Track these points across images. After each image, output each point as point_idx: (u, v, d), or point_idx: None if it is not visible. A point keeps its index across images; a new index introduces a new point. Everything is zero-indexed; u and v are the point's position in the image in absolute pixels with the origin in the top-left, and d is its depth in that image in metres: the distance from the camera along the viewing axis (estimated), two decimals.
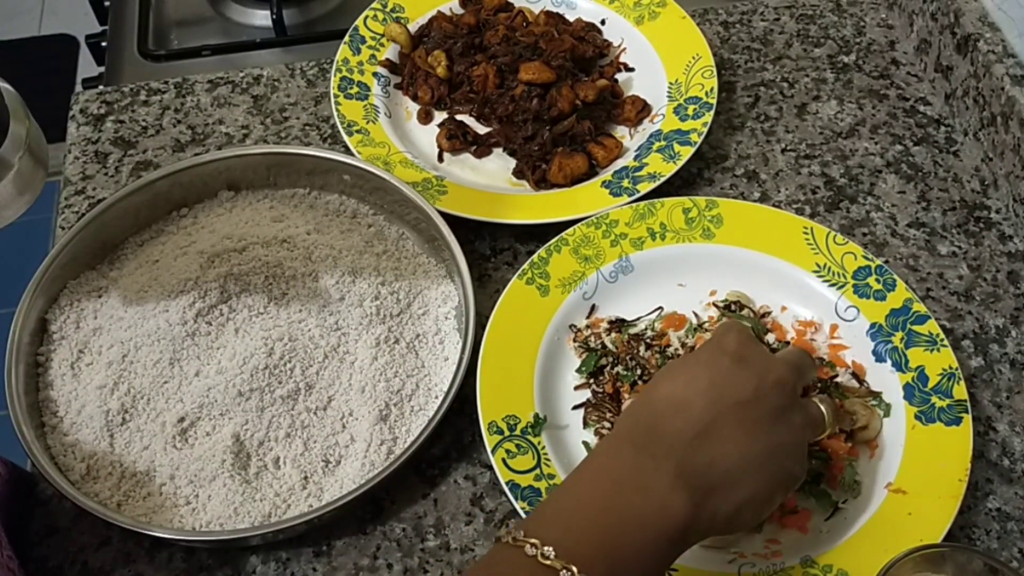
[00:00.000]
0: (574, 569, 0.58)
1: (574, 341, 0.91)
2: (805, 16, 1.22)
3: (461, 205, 0.98)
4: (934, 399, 0.84)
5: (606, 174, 1.02)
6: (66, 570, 0.81)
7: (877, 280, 0.91)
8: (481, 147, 1.07)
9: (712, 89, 1.07)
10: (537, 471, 0.81)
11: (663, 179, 0.99)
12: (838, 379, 0.87)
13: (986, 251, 0.99)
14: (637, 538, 0.62)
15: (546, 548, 0.59)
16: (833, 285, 0.92)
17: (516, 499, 0.79)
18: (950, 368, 0.85)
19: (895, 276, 0.91)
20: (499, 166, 1.06)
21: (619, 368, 0.88)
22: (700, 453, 0.64)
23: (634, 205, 0.97)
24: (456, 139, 1.06)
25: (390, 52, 1.15)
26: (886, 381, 0.87)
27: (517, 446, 0.83)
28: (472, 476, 0.85)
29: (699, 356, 0.69)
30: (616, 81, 1.12)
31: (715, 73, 1.08)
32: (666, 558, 0.64)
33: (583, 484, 0.65)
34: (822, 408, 0.72)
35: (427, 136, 1.09)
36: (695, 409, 0.65)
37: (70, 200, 1.06)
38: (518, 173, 1.05)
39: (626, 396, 0.86)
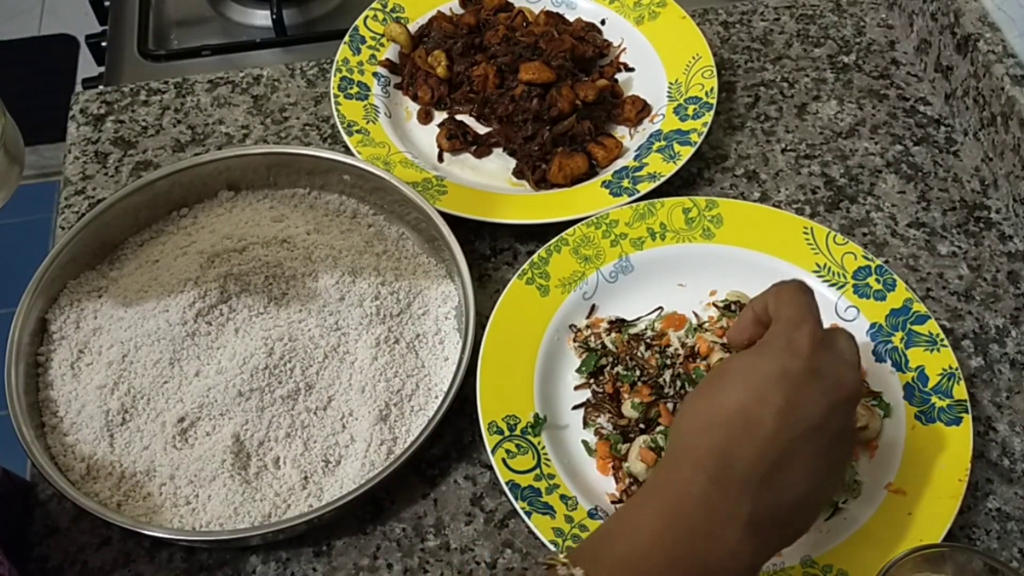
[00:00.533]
0: None
1: (574, 341, 0.91)
2: (805, 16, 1.22)
3: (461, 205, 0.98)
4: (934, 399, 0.84)
5: (606, 174, 1.02)
6: (66, 570, 0.81)
7: (877, 280, 0.91)
8: (481, 147, 1.07)
9: (712, 89, 1.07)
10: (537, 471, 0.81)
11: (663, 179, 0.99)
12: None
13: (986, 251, 0.99)
14: None
15: None
16: (833, 285, 0.92)
17: (516, 499, 0.79)
18: (950, 368, 0.85)
19: (895, 276, 0.91)
20: (499, 166, 1.06)
21: (619, 368, 0.87)
22: (772, 491, 0.59)
23: (634, 205, 0.96)
24: (456, 139, 1.06)
25: (390, 52, 1.14)
26: (886, 381, 0.86)
27: (517, 446, 0.82)
28: (472, 476, 0.85)
29: (769, 361, 0.62)
30: (616, 81, 1.12)
31: (715, 73, 1.08)
32: None
33: (652, 519, 0.59)
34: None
35: (427, 136, 1.09)
36: (767, 432, 0.59)
37: (70, 200, 1.06)
38: (518, 173, 1.04)
39: (626, 396, 0.86)
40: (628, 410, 0.84)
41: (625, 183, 1.00)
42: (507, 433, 0.83)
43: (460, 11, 1.18)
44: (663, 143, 1.03)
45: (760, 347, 0.64)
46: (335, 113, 1.06)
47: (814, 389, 0.61)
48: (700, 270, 0.94)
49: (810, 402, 0.61)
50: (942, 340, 0.87)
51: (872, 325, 0.89)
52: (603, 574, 0.56)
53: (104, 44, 1.29)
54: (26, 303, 0.88)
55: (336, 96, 1.08)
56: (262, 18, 1.27)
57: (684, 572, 0.57)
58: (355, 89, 1.10)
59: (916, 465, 0.81)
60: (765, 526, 0.59)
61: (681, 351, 0.88)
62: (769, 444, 0.59)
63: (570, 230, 0.95)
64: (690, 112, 1.06)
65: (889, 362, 0.87)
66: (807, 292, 0.66)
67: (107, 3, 1.33)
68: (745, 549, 0.58)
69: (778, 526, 0.61)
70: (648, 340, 0.89)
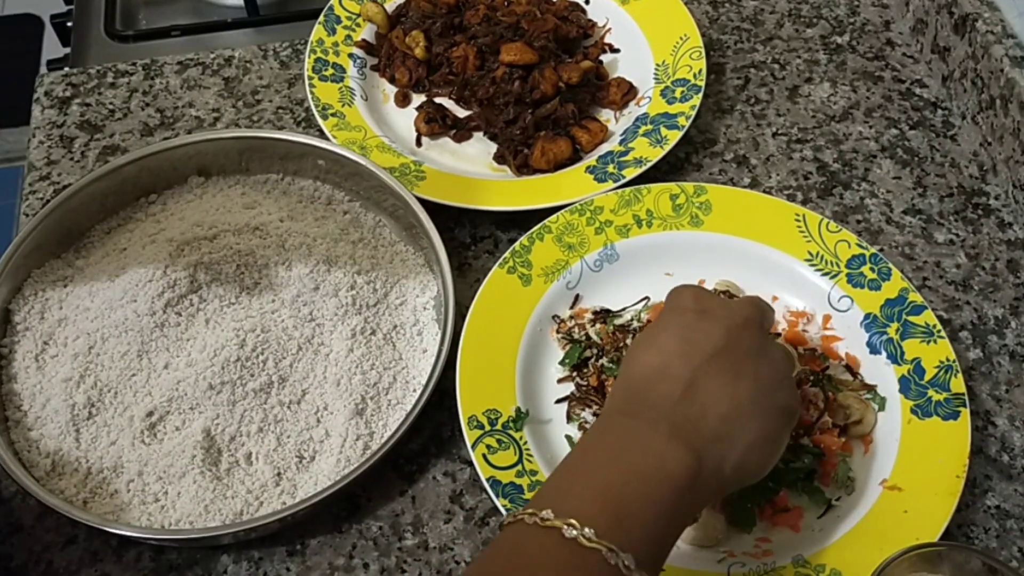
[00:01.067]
0: (574, 522, 0.58)
1: (557, 332, 0.90)
2: None
3: (440, 191, 0.97)
4: (931, 392, 0.83)
5: (590, 159, 1.01)
6: (30, 569, 0.80)
7: (871, 269, 0.90)
8: (461, 131, 1.06)
9: (700, 71, 1.06)
10: (519, 467, 0.81)
11: (650, 164, 0.98)
12: (831, 372, 0.86)
13: (984, 239, 0.98)
14: (641, 492, 0.61)
15: (544, 512, 0.59)
16: (826, 274, 0.91)
17: (497, 496, 0.78)
18: (947, 360, 0.84)
19: (890, 265, 0.90)
20: (479, 151, 1.05)
21: (604, 360, 0.87)
22: (690, 408, 0.65)
23: (619, 191, 0.96)
24: (435, 123, 1.05)
25: (366, 32, 1.14)
26: (881, 374, 0.86)
27: (498, 441, 0.82)
28: (451, 472, 0.84)
29: (662, 322, 0.71)
30: (601, 63, 1.11)
31: (703, 54, 1.07)
32: (679, 511, 0.63)
33: (579, 456, 0.66)
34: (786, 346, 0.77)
35: (405, 120, 1.08)
36: (674, 370, 0.66)
37: (34, 186, 1.05)
38: (499, 158, 1.04)
39: (610, 390, 0.84)
40: None
41: (610, 168, 0.99)
42: (488, 428, 0.82)
43: None
44: (650, 127, 1.02)
45: (661, 315, 0.72)
46: (309, 96, 1.05)
47: (706, 324, 0.68)
48: (688, 259, 0.94)
49: (705, 333, 0.68)
50: (939, 331, 0.86)
51: (866, 315, 0.88)
52: (537, 503, 0.60)
53: (70, 24, 1.28)
54: None
55: (310, 78, 1.07)
56: None
57: (620, 480, 0.61)
58: (330, 71, 1.08)
59: (912, 461, 0.80)
60: (691, 434, 0.64)
61: None
62: (677, 376, 0.66)
63: (553, 217, 0.94)
64: (678, 95, 1.05)
65: (884, 354, 0.86)
66: (697, 287, 0.74)
67: None
68: (674, 453, 0.62)
69: (708, 435, 0.64)
70: (634, 331, 0.88)
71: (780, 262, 0.91)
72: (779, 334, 0.88)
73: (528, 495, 0.79)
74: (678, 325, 0.69)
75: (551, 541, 0.58)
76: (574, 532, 0.57)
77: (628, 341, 0.87)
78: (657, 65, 1.09)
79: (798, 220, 0.93)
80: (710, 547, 0.78)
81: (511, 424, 0.83)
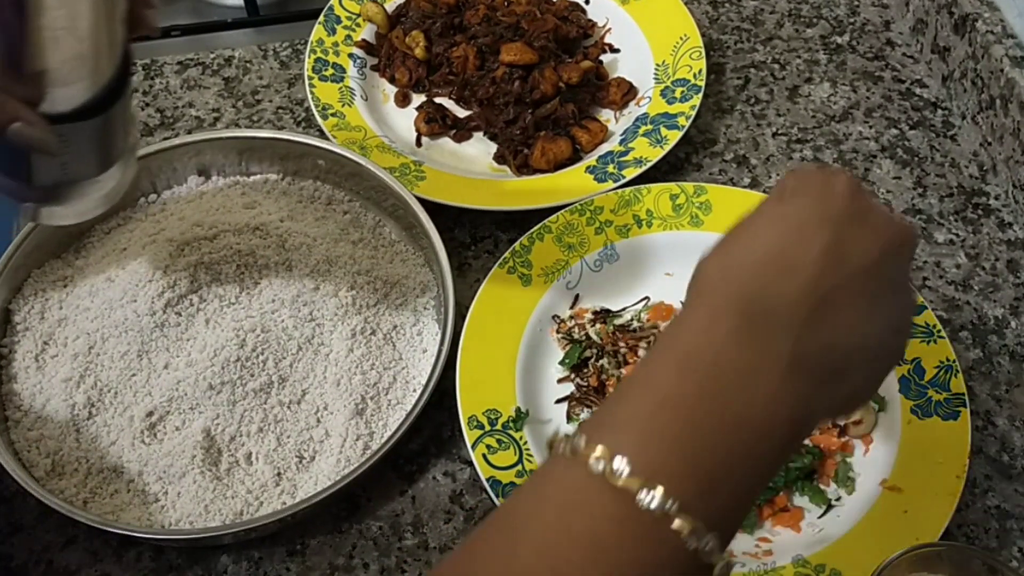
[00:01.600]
0: (659, 491, 0.44)
1: (557, 332, 0.90)
2: None
3: (440, 191, 0.96)
4: (931, 392, 0.83)
5: (590, 159, 1.01)
6: (31, 569, 0.80)
7: None
8: (461, 131, 1.06)
9: (700, 71, 1.06)
10: (519, 467, 0.80)
11: (650, 164, 0.98)
12: None
13: (985, 239, 0.98)
14: (738, 446, 0.48)
15: (617, 460, 0.45)
16: None
17: (497, 496, 0.78)
18: (947, 360, 0.84)
19: None
20: (479, 151, 1.05)
21: (604, 360, 0.87)
22: (819, 332, 0.51)
23: (619, 191, 0.95)
24: (435, 123, 1.05)
25: (366, 32, 1.13)
26: None
27: (498, 441, 0.82)
28: (451, 472, 0.84)
29: (805, 205, 0.54)
30: (601, 63, 1.11)
31: (703, 54, 1.07)
32: (772, 469, 0.51)
33: (666, 372, 0.50)
34: None
35: (405, 120, 1.08)
36: (810, 273, 0.51)
37: None
38: (499, 158, 1.03)
39: (611, 390, 0.85)
40: None
41: (610, 168, 0.98)
42: (488, 428, 0.82)
43: None
44: (650, 127, 1.02)
45: (790, 195, 0.56)
46: (309, 96, 1.05)
47: (862, 231, 0.53)
48: (688, 259, 0.89)
49: (859, 243, 0.53)
50: (939, 331, 0.86)
51: None
52: (608, 438, 0.46)
53: None
54: None
55: (310, 78, 1.07)
56: None
57: (716, 426, 0.48)
58: (330, 71, 1.08)
59: (912, 461, 0.80)
60: (813, 369, 0.51)
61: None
62: (813, 283, 0.51)
63: (553, 217, 0.94)
64: (678, 95, 1.04)
65: None
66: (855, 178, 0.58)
67: None
68: (788, 393, 0.49)
69: (829, 373, 0.52)
70: (635, 331, 0.88)
71: None
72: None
73: None
74: (827, 219, 0.53)
75: (617, 508, 0.45)
76: (650, 500, 0.44)
77: (628, 341, 0.87)
78: (657, 65, 1.08)
79: None
80: None
81: (511, 424, 0.83)
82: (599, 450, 0.46)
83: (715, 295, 0.52)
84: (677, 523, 0.44)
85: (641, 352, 0.87)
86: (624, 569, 0.45)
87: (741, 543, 0.78)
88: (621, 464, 0.45)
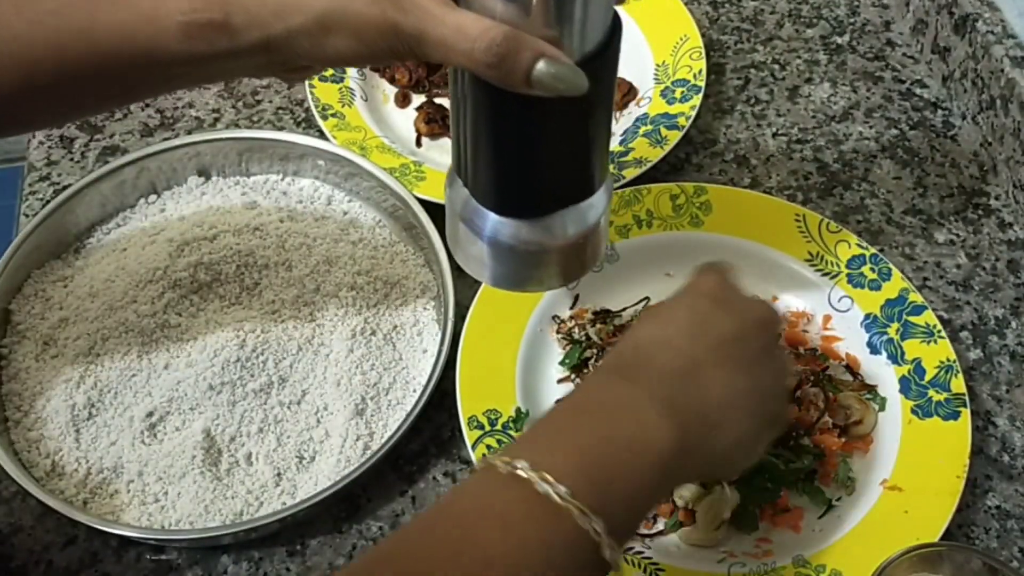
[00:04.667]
0: (549, 478, 0.53)
1: (557, 333, 0.90)
2: None
3: (440, 191, 0.93)
4: (931, 393, 0.83)
5: None
6: (31, 570, 0.79)
7: (872, 269, 0.90)
8: None
9: (700, 71, 1.05)
10: None
11: (650, 164, 0.98)
12: (831, 372, 0.86)
13: (985, 239, 0.98)
14: (624, 459, 0.57)
15: (519, 462, 0.54)
16: (826, 274, 0.90)
17: None
18: (948, 360, 0.84)
19: (890, 265, 0.89)
20: None
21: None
22: (688, 386, 0.61)
23: (620, 191, 0.95)
24: (435, 123, 1.05)
25: None
26: (881, 374, 0.85)
27: (498, 441, 0.81)
28: (451, 473, 0.84)
29: (678, 300, 0.67)
30: None
31: (703, 55, 1.07)
32: (657, 487, 0.59)
33: (566, 411, 0.61)
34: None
35: (405, 120, 1.07)
36: (681, 345, 0.63)
37: (34, 187, 1.04)
38: None
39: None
40: None
41: (610, 169, 0.97)
42: (488, 428, 0.82)
43: None
44: (649, 127, 1.02)
45: (676, 295, 0.69)
46: (309, 96, 1.05)
47: (722, 312, 0.65)
48: (688, 259, 0.91)
49: (719, 321, 0.64)
50: (939, 331, 0.86)
51: (867, 316, 0.88)
52: (513, 451, 0.56)
53: None
54: None
55: (310, 78, 1.06)
56: None
57: (604, 441, 0.58)
58: (330, 71, 1.08)
59: (912, 461, 0.80)
60: (683, 412, 0.60)
61: None
62: (681, 352, 0.62)
63: None
64: (677, 95, 1.04)
65: (884, 354, 0.86)
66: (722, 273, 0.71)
67: None
68: (663, 428, 0.58)
69: (699, 419, 0.61)
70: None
71: (780, 262, 0.91)
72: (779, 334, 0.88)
73: None
74: (693, 307, 0.65)
75: (521, 494, 0.54)
76: (547, 488, 0.53)
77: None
78: (657, 65, 1.08)
79: (798, 220, 0.92)
80: (711, 547, 0.77)
81: (511, 424, 0.82)
82: (506, 458, 0.55)
83: (607, 364, 0.65)
84: (568, 504, 0.53)
85: None
86: (529, 543, 0.53)
87: (741, 543, 0.78)
88: (523, 464, 0.54)
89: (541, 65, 0.54)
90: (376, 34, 0.58)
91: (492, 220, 0.64)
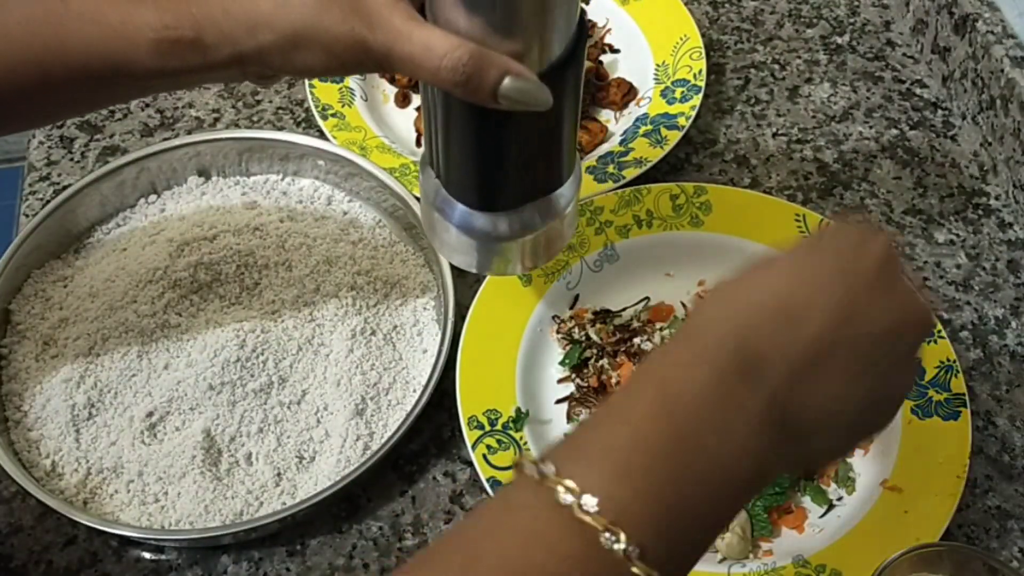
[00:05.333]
0: (622, 536, 0.43)
1: (557, 333, 0.89)
2: None
3: None
4: (931, 393, 0.82)
5: (590, 159, 1.00)
6: (30, 570, 0.79)
7: None
8: None
9: (700, 71, 1.05)
10: None
11: (650, 164, 0.97)
12: None
13: (985, 239, 0.98)
14: (703, 496, 0.47)
15: (586, 497, 0.44)
16: None
17: None
18: (948, 360, 0.84)
19: None
20: None
21: (604, 361, 0.86)
22: (803, 386, 0.49)
23: (619, 191, 0.95)
24: None
25: None
26: None
27: (498, 441, 0.81)
28: (451, 473, 0.84)
29: (830, 259, 0.53)
30: (601, 63, 1.10)
31: (704, 55, 1.07)
32: (726, 517, 0.50)
33: (645, 407, 0.48)
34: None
35: (405, 120, 1.07)
36: (812, 327, 0.50)
37: (34, 187, 1.04)
38: None
39: (611, 390, 0.84)
40: None
41: (610, 169, 0.98)
42: (488, 428, 0.82)
43: None
44: (650, 127, 1.02)
45: (818, 244, 0.55)
46: (309, 96, 1.04)
47: (880, 299, 0.52)
48: (688, 259, 0.93)
49: (874, 311, 0.51)
50: (939, 331, 0.85)
51: None
52: (578, 470, 0.45)
53: None
54: None
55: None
56: None
57: (686, 472, 0.47)
58: None
59: (913, 461, 0.80)
60: (784, 425, 0.49)
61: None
62: (812, 342, 0.49)
63: None
64: (678, 95, 1.04)
65: None
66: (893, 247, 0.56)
67: None
68: (756, 447, 0.48)
69: (797, 432, 0.50)
70: (635, 331, 0.88)
71: None
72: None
73: None
74: (847, 277, 0.51)
75: (583, 548, 0.44)
76: (618, 544, 0.43)
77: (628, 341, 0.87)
78: (657, 65, 1.08)
79: (798, 220, 0.92)
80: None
81: (511, 424, 0.82)
82: (568, 483, 0.44)
83: (707, 334, 0.51)
84: (635, 569, 0.44)
85: (647, 346, 0.87)
86: (539, 555, 0.44)
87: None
88: (590, 501, 0.44)
89: (507, 82, 0.55)
90: (345, 50, 0.59)
91: (461, 210, 0.67)
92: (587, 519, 0.43)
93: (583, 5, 0.60)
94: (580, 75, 0.62)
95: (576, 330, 0.89)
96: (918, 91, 1.10)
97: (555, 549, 0.44)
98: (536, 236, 0.68)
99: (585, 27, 0.60)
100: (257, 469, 0.81)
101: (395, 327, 0.88)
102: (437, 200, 0.68)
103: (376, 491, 0.82)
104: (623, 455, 0.46)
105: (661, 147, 0.99)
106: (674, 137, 1.00)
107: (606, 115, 1.07)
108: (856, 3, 1.20)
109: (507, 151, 0.62)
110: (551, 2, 0.55)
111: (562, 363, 0.88)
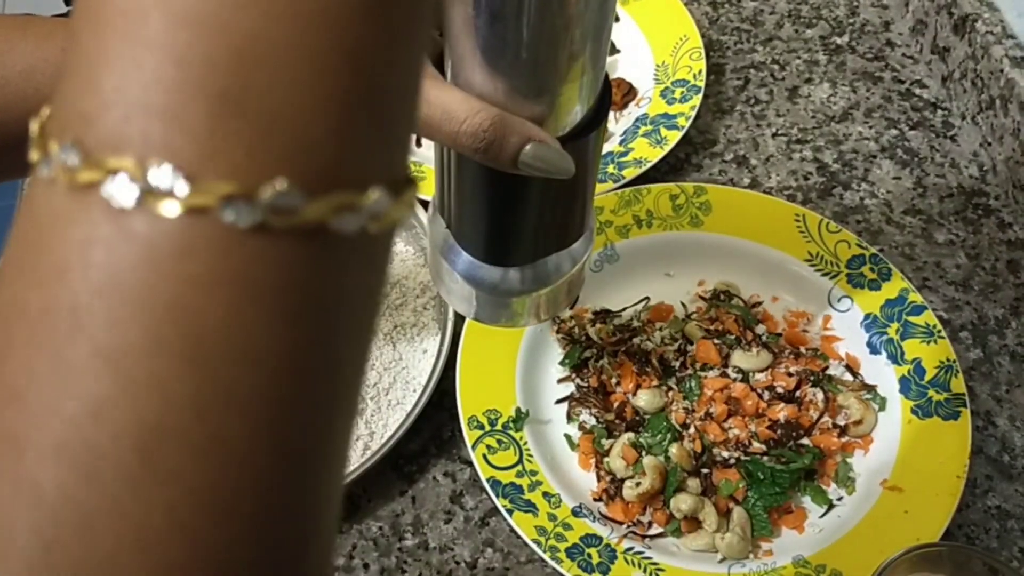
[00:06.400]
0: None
1: (557, 332, 0.89)
2: None
3: None
4: (931, 393, 0.82)
5: None
6: None
7: (871, 269, 0.89)
8: None
9: (700, 71, 1.05)
10: (519, 467, 0.80)
11: (649, 165, 0.97)
12: (830, 372, 0.86)
13: (985, 239, 0.97)
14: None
15: (159, 172, 0.24)
16: (826, 274, 0.90)
17: (497, 496, 0.78)
18: (947, 360, 0.83)
19: (890, 265, 0.89)
20: None
21: (604, 361, 0.86)
22: None
23: (619, 192, 0.95)
24: None
25: None
26: (881, 374, 0.85)
27: (498, 441, 0.81)
28: (451, 472, 0.84)
29: None
30: None
31: (703, 55, 1.07)
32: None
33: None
34: None
35: None
36: None
37: None
38: None
39: (611, 390, 0.84)
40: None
41: (610, 169, 0.98)
42: (488, 428, 0.81)
43: None
44: (649, 127, 1.02)
45: None
46: None
47: None
48: (688, 259, 0.93)
49: None
50: (939, 331, 0.85)
51: (867, 316, 0.87)
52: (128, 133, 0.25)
53: None
54: None
55: None
56: None
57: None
58: None
59: (913, 461, 0.79)
60: None
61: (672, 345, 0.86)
62: None
63: None
64: (677, 95, 1.04)
65: (884, 354, 0.86)
66: None
67: None
68: None
69: None
70: (635, 331, 0.88)
71: (780, 262, 0.91)
72: (779, 334, 0.87)
73: (528, 495, 0.78)
74: None
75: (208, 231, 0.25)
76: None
77: (636, 342, 0.87)
78: (657, 66, 1.08)
79: (798, 220, 0.92)
80: (711, 550, 0.77)
81: (511, 424, 0.82)
82: (124, 162, 0.25)
83: None
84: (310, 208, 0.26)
85: (647, 346, 0.86)
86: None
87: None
88: (169, 176, 0.25)
89: (528, 150, 0.52)
90: None
91: (470, 262, 0.64)
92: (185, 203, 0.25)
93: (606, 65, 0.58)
94: (602, 140, 0.61)
95: (576, 330, 0.89)
96: (918, 91, 1.10)
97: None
98: (548, 291, 0.66)
99: (609, 88, 0.59)
100: None
101: (395, 327, 0.88)
102: (444, 248, 0.65)
103: (376, 491, 0.82)
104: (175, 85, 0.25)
105: (661, 147, 0.99)
106: (674, 137, 1.00)
107: None
108: (856, 3, 1.19)
109: (523, 212, 0.61)
110: (577, 66, 0.53)
111: (562, 363, 0.87)
